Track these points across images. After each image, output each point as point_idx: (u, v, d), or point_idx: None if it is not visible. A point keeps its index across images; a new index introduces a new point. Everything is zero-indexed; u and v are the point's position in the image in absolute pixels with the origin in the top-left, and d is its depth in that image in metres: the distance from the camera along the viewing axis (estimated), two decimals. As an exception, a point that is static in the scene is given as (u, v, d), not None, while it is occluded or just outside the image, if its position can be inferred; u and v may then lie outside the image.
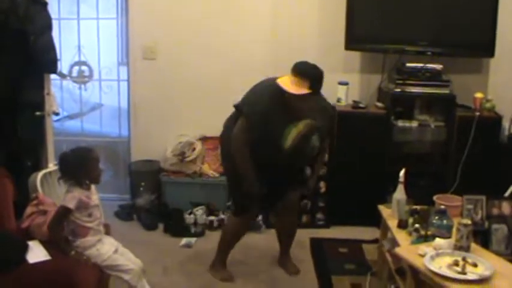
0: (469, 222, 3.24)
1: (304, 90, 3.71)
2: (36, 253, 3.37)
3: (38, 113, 4.51)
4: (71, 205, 3.41)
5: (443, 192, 4.33)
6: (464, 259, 3.00)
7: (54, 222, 3.47)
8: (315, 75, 3.80)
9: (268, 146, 3.91)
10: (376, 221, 4.33)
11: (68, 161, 3.54)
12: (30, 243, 3.43)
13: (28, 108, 4.52)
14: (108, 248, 3.54)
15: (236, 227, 4.29)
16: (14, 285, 3.19)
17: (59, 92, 5.78)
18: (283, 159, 3.97)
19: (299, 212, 4.82)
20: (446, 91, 5.09)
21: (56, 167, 4.28)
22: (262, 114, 3.87)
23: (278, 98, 3.84)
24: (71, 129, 6.14)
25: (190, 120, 5.51)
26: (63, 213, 3.44)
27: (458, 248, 3.18)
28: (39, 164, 4.59)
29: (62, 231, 3.49)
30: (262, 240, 4.84)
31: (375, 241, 4.63)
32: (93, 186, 3.58)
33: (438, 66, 5.12)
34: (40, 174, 4.26)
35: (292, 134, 3.90)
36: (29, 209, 3.74)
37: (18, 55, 4.36)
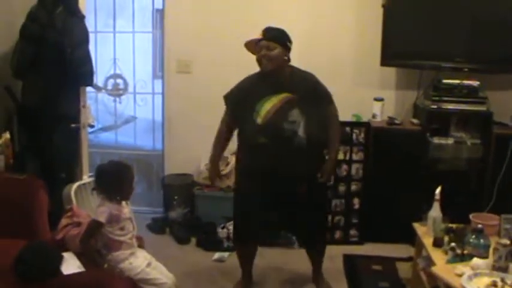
0: (508, 242, 3.17)
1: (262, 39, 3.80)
2: (71, 264, 3.38)
3: (73, 125, 4.55)
4: (102, 219, 3.41)
5: (479, 210, 4.25)
6: (503, 280, 2.94)
7: (86, 236, 3.48)
8: (270, 27, 3.88)
9: (247, 126, 3.86)
10: (411, 238, 4.27)
11: (104, 173, 3.56)
12: (65, 254, 3.44)
13: (64, 120, 4.57)
14: (141, 262, 3.53)
15: (239, 254, 4.29)
16: (49, 296, 3.21)
17: (94, 104, 5.85)
18: (263, 139, 3.81)
19: (324, 234, 4.48)
20: (483, 108, 5.02)
21: (90, 179, 4.32)
22: (239, 90, 3.97)
23: (255, 77, 3.92)
24: (105, 141, 6.20)
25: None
26: (95, 227, 3.45)
27: (496, 268, 3.11)
28: (73, 175, 4.64)
29: (94, 245, 3.50)
30: (296, 256, 4.79)
31: (409, 259, 4.58)
32: (124, 203, 3.59)
33: (475, 83, 5.05)
34: (74, 186, 4.30)
35: (266, 108, 3.80)
36: (64, 221, 3.75)
37: (55, 68, 4.43)
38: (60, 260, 3.38)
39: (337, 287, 4.38)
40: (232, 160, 5.33)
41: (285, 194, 3.87)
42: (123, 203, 3.56)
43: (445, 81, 5.07)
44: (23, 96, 4.59)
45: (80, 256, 3.46)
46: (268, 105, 3.78)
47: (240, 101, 3.93)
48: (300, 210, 3.95)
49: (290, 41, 3.90)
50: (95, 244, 3.50)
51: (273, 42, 3.77)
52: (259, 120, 3.79)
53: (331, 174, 4.21)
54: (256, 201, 3.91)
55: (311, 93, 3.86)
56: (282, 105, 3.76)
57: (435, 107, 5.01)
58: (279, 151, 3.77)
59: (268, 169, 3.80)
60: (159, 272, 3.60)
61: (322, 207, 4.33)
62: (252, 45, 3.85)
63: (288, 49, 3.89)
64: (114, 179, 3.51)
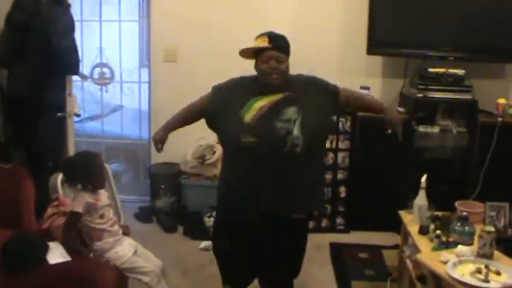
0: (493, 229, 3.20)
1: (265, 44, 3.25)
2: (56, 254, 3.38)
3: (59, 114, 4.54)
4: (79, 209, 3.41)
5: (464, 198, 4.28)
6: (487, 267, 2.96)
7: (66, 229, 3.47)
8: (274, 32, 3.34)
9: (231, 125, 3.22)
10: (397, 226, 4.29)
11: (71, 165, 3.57)
12: (51, 243, 3.44)
13: (49, 110, 4.55)
14: (127, 250, 3.54)
15: None
16: (34, 285, 3.21)
17: (80, 93, 5.82)
18: (250, 139, 3.14)
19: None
20: (468, 96, 5.05)
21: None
22: (229, 85, 3.45)
23: (250, 80, 3.39)
24: (92, 130, 6.18)
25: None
26: (74, 218, 3.44)
27: (481, 255, 3.14)
28: (60, 165, 4.61)
29: (76, 237, 3.50)
30: None
31: (395, 247, 4.60)
32: (101, 191, 3.59)
33: (460, 72, 5.07)
34: (61, 175, 4.28)
35: (256, 106, 3.23)
36: (50, 210, 3.75)
37: (41, 56, 4.40)
38: (45, 249, 3.38)
39: (324, 276, 4.41)
40: (218, 149, 5.34)
41: (272, 225, 3.23)
42: (100, 191, 3.56)
43: (431, 70, 5.09)
44: (8, 85, 4.56)
45: (65, 245, 3.46)
46: (259, 104, 3.23)
47: (228, 95, 3.37)
48: (281, 252, 3.32)
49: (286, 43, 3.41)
50: (78, 235, 3.50)
51: (283, 53, 3.28)
52: (247, 118, 3.19)
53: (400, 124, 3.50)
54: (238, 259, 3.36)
55: (312, 87, 3.36)
56: (276, 102, 3.21)
57: (421, 95, 5.03)
58: (268, 153, 3.12)
59: (254, 182, 3.18)
60: (146, 260, 3.61)
61: (304, 249, 3.49)
62: (249, 52, 3.34)
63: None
64: (81, 169, 3.50)
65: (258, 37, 3.30)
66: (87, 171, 3.49)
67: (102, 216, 3.50)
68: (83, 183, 3.48)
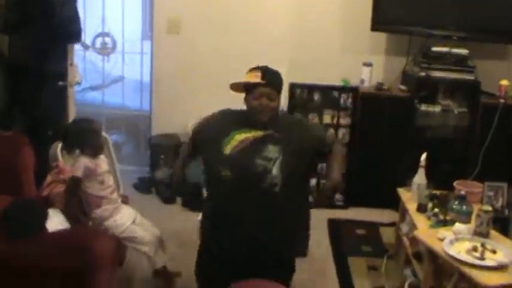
0: (490, 208, 3.21)
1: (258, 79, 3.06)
2: (56, 221, 3.38)
3: (60, 83, 4.53)
4: (79, 173, 3.43)
5: (463, 178, 4.30)
6: (483, 245, 2.98)
7: (67, 195, 3.50)
8: (268, 68, 3.15)
9: (212, 155, 3.13)
10: (395, 204, 4.31)
11: (68, 131, 3.59)
12: (50, 211, 3.44)
13: (51, 78, 4.54)
14: (126, 219, 3.57)
15: None
16: (33, 253, 3.21)
17: (82, 63, 5.80)
18: (227, 173, 3.02)
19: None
20: (471, 77, 5.03)
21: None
22: (210, 124, 3.30)
23: (234, 114, 3.26)
24: (93, 101, 6.16)
25: (212, 96, 5.49)
26: (74, 184, 3.47)
27: (477, 233, 3.16)
28: (58, 131, 4.62)
29: (77, 204, 3.51)
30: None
31: (393, 224, 4.63)
32: (102, 156, 3.62)
33: (464, 51, 5.05)
34: (61, 144, 4.28)
35: (238, 138, 3.10)
36: (49, 178, 3.76)
37: (43, 24, 4.37)
38: (45, 216, 3.38)
39: (321, 251, 4.43)
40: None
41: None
42: (102, 156, 3.58)
43: (434, 48, 5.07)
44: (9, 52, 4.54)
45: (65, 213, 3.47)
46: (241, 136, 3.10)
47: (212, 126, 3.25)
48: None
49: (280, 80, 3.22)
50: (79, 203, 3.51)
51: (275, 90, 3.11)
52: (226, 150, 3.06)
53: (336, 184, 3.29)
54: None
55: (298, 130, 3.22)
56: (259, 138, 3.07)
57: (424, 74, 5.02)
58: (245, 189, 3.00)
59: (231, 217, 3.06)
60: (144, 229, 3.64)
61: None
62: (240, 86, 3.18)
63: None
64: (77, 134, 3.53)
65: (250, 70, 3.16)
66: (83, 136, 3.51)
67: (102, 182, 3.52)
68: (81, 148, 3.50)
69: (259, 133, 3.07)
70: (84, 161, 3.46)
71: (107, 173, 3.58)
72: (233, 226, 3.04)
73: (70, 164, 3.70)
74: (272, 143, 3.05)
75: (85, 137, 3.51)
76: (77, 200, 3.51)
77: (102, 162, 3.57)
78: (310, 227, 4.04)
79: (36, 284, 3.27)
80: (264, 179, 2.98)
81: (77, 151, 3.52)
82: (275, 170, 2.99)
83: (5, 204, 3.35)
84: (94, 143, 3.53)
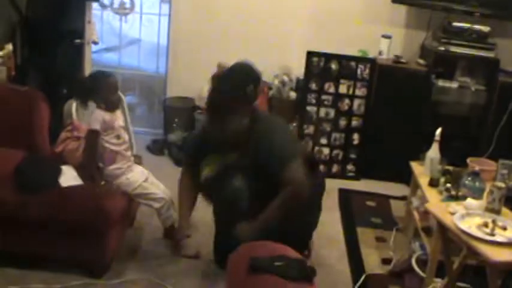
0: (503, 185, 3.19)
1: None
2: (69, 177, 3.40)
3: (77, 41, 4.52)
4: (97, 126, 3.45)
5: (477, 156, 4.27)
6: (494, 221, 2.96)
7: (88, 149, 3.51)
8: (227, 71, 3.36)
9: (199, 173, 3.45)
10: (407, 178, 4.30)
11: (81, 82, 3.59)
12: (64, 167, 3.46)
13: (68, 35, 4.54)
14: (138, 176, 3.60)
15: None
16: (46, 207, 3.24)
17: (99, 23, 5.77)
18: (203, 197, 3.57)
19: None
20: (490, 54, 4.98)
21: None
22: (197, 140, 3.66)
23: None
24: (108, 61, 6.15)
25: (228, 61, 5.46)
26: (93, 136, 3.48)
27: (489, 210, 3.14)
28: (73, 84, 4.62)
29: (96, 158, 3.53)
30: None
31: (404, 198, 4.61)
32: (118, 112, 3.62)
33: (485, 28, 5.00)
34: (75, 101, 4.28)
35: (210, 166, 3.38)
36: (63, 135, 3.76)
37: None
38: (58, 172, 3.40)
39: (331, 221, 4.42)
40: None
41: None
42: (117, 113, 3.59)
43: (455, 24, 5.02)
44: (27, 8, 4.54)
45: (78, 169, 3.49)
46: (213, 164, 3.35)
47: (198, 148, 3.55)
48: None
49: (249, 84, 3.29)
50: (97, 157, 3.53)
51: (223, 113, 3.25)
52: (204, 173, 3.37)
53: (247, 234, 3.17)
54: None
55: (265, 159, 3.21)
56: (227, 168, 3.27)
57: (443, 49, 4.97)
58: (219, 214, 3.45)
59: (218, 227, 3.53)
60: (156, 187, 3.66)
61: None
62: None
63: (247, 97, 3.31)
64: (91, 85, 3.54)
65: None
66: (97, 87, 3.52)
67: (118, 137, 3.55)
68: (95, 99, 3.51)
69: (229, 157, 3.29)
70: (101, 114, 3.48)
71: (123, 128, 3.61)
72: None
73: (85, 121, 3.71)
74: (235, 173, 3.26)
75: (98, 87, 3.52)
76: (97, 155, 3.53)
77: (119, 117, 3.59)
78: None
79: (46, 238, 3.31)
80: (235, 208, 3.26)
81: (93, 105, 3.52)
82: (242, 195, 3.26)
83: (19, 159, 3.38)
84: (111, 97, 3.54)
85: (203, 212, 3.79)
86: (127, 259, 3.63)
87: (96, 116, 3.48)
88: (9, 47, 4.28)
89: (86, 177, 3.45)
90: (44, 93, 3.90)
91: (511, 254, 2.74)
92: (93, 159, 3.50)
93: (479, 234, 2.84)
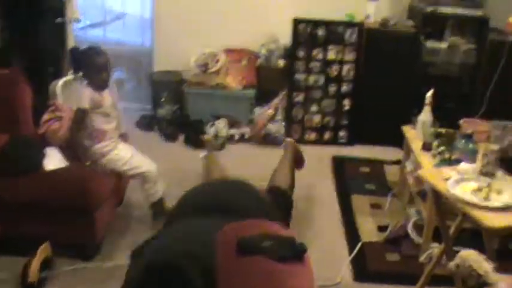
0: (497, 148, 3.15)
1: None
2: (54, 159, 3.37)
3: (58, 19, 4.44)
4: (85, 103, 3.41)
5: (470, 116, 4.23)
6: (489, 185, 2.92)
7: (74, 125, 3.47)
8: None
9: None
10: (400, 141, 4.26)
11: (75, 57, 3.53)
12: (48, 150, 3.42)
13: (49, 14, 4.45)
14: (124, 153, 3.60)
15: None
16: (30, 190, 3.22)
17: (82, -2, 5.66)
18: None
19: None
20: (480, 13, 4.92)
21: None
22: None
23: None
24: (94, 37, 6.05)
25: (214, 32, 5.39)
26: (80, 114, 3.44)
27: (483, 173, 3.09)
28: (61, 70, 4.55)
29: (81, 136, 3.49)
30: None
31: (397, 162, 4.57)
32: (106, 90, 3.57)
33: (473, -15, 4.93)
34: (61, 81, 4.21)
35: None
36: (46, 115, 3.71)
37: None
38: (42, 154, 3.36)
39: (325, 188, 4.40)
40: (222, 57, 5.25)
41: None
42: (105, 90, 3.54)
43: (442, -18, 4.94)
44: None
45: (62, 151, 3.44)
46: None
47: None
48: None
49: None
50: (82, 135, 3.48)
51: None
52: None
53: None
54: None
55: None
56: None
57: (431, 9, 4.90)
58: None
59: None
60: (143, 162, 3.66)
61: None
62: None
63: None
64: (85, 64, 3.49)
65: None
66: (87, 64, 3.47)
67: (106, 115, 3.51)
68: (84, 75, 3.46)
69: None
70: (91, 92, 3.44)
71: (112, 107, 3.56)
72: None
73: (72, 100, 3.65)
74: None
75: (92, 67, 3.46)
76: (83, 133, 3.49)
77: (107, 96, 3.55)
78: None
79: (34, 220, 3.27)
80: None
81: (80, 84, 3.47)
82: None
83: (2, 143, 3.32)
84: (100, 76, 3.48)
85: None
86: (117, 239, 3.60)
87: (84, 95, 3.43)
88: (-11, 30, 4.21)
89: (70, 157, 3.40)
90: (30, 74, 3.83)
91: (507, 218, 2.69)
92: (77, 136, 3.46)
93: (474, 200, 2.80)
